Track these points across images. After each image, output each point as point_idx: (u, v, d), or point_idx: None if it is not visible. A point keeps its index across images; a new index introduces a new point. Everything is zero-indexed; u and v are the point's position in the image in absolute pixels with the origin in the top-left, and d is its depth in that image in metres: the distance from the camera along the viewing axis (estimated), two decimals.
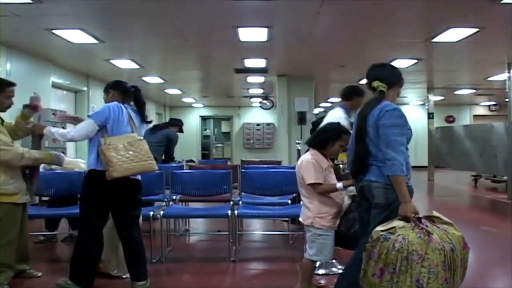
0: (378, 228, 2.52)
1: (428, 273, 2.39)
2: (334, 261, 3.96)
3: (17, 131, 3.61)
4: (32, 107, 3.63)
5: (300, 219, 3.28)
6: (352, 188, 3.05)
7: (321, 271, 3.88)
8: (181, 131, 7.35)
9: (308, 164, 3.14)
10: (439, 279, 2.39)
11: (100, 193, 3.28)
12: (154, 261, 4.22)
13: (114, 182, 3.18)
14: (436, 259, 2.39)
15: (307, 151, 3.38)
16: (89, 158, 3.33)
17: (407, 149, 2.67)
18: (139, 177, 3.41)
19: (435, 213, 2.55)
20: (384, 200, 2.63)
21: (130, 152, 3.16)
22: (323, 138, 3.22)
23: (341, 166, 3.58)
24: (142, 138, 3.34)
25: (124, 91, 3.41)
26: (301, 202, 3.31)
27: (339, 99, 4.31)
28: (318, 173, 3.12)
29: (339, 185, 3.11)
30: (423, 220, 2.49)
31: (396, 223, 2.50)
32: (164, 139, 6.64)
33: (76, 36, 6.29)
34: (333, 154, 3.26)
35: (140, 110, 3.46)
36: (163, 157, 6.77)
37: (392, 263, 2.43)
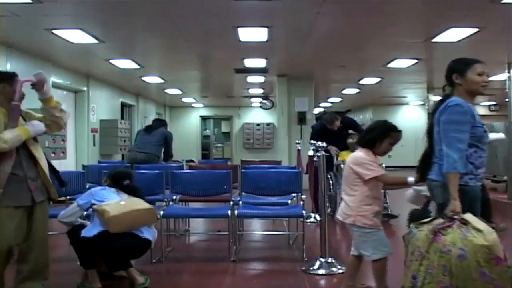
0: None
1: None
2: (334, 261, 3.96)
3: (45, 122, 3.10)
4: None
5: (340, 217, 3.11)
6: (423, 188, 2.90)
7: (321, 271, 3.88)
8: None
9: (365, 160, 3.00)
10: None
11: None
12: (154, 261, 4.22)
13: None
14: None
15: (353, 150, 3.25)
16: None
17: (480, 148, 2.54)
18: (143, 234, 3.48)
19: (468, 217, 2.40)
20: (442, 200, 2.53)
21: (122, 202, 3.49)
22: (371, 137, 3.07)
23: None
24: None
25: (114, 180, 3.76)
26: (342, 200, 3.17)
27: None
28: (377, 165, 3.02)
29: (411, 179, 2.94)
30: (454, 221, 2.38)
31: (436, 220, 2.46)
32: (161, 138, 6.67)
33: (76, 36, 6.28)
34: (384, 153, 3.10)
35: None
36: (162, 157, 6.78)
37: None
